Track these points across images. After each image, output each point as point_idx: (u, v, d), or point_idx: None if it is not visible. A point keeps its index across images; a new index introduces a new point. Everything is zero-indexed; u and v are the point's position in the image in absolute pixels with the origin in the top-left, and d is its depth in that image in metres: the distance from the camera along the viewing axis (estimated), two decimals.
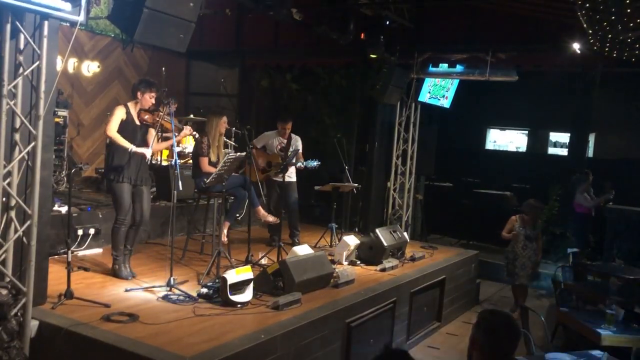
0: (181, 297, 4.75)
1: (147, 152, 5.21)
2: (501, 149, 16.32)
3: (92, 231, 6.19)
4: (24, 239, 3.94)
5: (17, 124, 3.92)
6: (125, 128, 5.11)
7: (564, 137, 14.87)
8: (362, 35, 7.95)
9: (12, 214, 3.92)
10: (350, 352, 4.91)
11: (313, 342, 4.46)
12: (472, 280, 8.13)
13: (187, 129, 5.81)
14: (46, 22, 3.88)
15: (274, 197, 7.29)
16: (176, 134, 5.40)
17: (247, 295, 4.72)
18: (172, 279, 4.95)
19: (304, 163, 6.99)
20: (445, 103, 9.81)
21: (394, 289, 5.79)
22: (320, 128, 10.08)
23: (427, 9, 8.52)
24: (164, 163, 7.95)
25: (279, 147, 7.25)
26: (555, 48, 7.41)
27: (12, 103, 3.82)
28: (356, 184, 7.84)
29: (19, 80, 3.86)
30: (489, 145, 16.60)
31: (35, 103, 3.93)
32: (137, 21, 4.16)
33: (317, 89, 10.36)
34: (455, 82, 9.57)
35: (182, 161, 7.83)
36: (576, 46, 7.06)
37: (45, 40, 3.89)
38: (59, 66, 4.35)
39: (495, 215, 11.23)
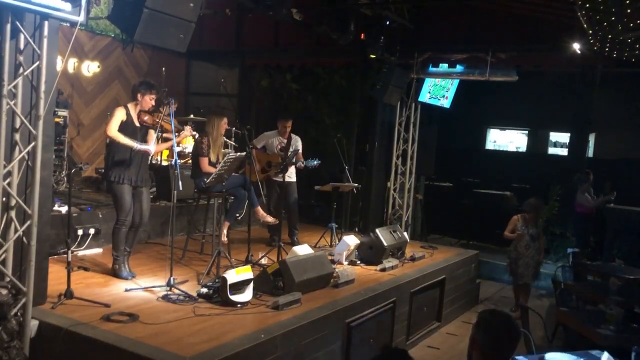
0: (181, 297, 4.75)
1: (151, 148, 5.22)
2: (501, 149, 16.33)
3: (92, 231, 6.19)
4: (24, 239, 3.94)
5: (17, 124, 3.92)
6: (125, 129, 5.11)
7: (564, 137, 14.88)
8: (362, 35, 7.94)
9: (12, 214, 3.92)
10: (350, 352, 4.91)
11: (313, 342, 4.46)
12: (472, 280, 8.13)
13: (187, 130, 5.81)
14: (46, 22, 3.88)
15: (274, 197, 7.29)
16: (176, 134, 5.40)
17: (247, 295, 4.72)
18: (172, 279, 4.96)
19: (305, 162, 7.00)
20: (445, 103, 9.81)
21: (394, 289, 5.79)
22: (320, 128, 10.08)
23: (427, 9, 8.52)
24: (164, 163, 7.95)
25: (279, 147, 7.25)
26: (555, 48, 7.41)
27: (12, 103, 3.82)
28: (356, 184, 7.84)
29: (19, 80, 3.86)
30: (489, 145, 16.61)
31: (35, 103, 3.93)
32: (137, 21, 4.15)
33: (317, 89, 10.37)
34: (455, 82, 9.57)
35: (182, 161, 7.82)
36: (576, 46, 7.06)
37: (45, 40, 3.89)
38: (59, 66, 4.35)
39: (495, 215, 11.25)
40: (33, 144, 3.94)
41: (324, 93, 10.34)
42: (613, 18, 4.78)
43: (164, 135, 6.95)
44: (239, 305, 4.61)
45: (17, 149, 3.93)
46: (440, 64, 8.85)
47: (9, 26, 3.74)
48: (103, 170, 6.51)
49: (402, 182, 9.65)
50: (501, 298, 8.54)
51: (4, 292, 3.75)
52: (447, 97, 9.77)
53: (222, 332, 4.09)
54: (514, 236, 7.45)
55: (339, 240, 6.87)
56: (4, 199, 3.86)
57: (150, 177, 6.15)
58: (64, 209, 5.90)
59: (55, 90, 4.18)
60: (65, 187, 7.23)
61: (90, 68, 9.09)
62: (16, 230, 3.94)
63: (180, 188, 5.14)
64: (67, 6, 3.77)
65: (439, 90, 9.60)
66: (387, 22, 7.96)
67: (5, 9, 3.68)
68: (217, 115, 6.33)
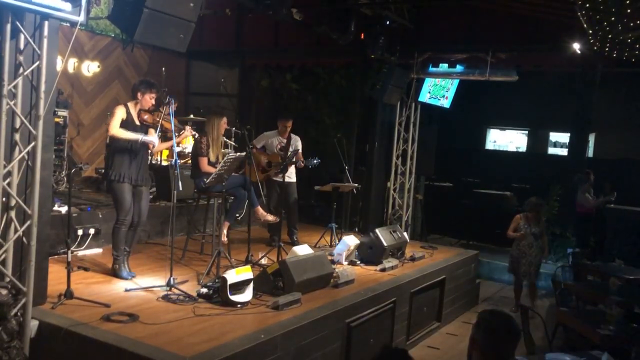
0: (181, 297, 4.75)
1: (155, 140, 5.23)
2: (501, 149, 16.33)
3: (92, 231, 6.19)
4: (24, 239, 3.94)
5: (17, 124, 3.92)
6: (125, 128, 5.10)
7: (564, 137, 14.89)
8: (362, 35, 7.94)
9: (12, 214, 3.92)
10: (350, 352, 4.91)
11: (313, 342, 4.46)
12: (472, 280, 8.13)
13: (187, 130, 5.81)
14: (46, 22, 3.88)
15: (274, 197, 7.30)
16: (176, 134, 5.40)
17: (247, 295, 4.72)
18: (172, 279, 4.95)
19: (305, 161, 7.00)
20: (445, 103, 9.81)
21: (394, 289, 5.79)
22: (320, 128, 10.08)
23: (427, 9, 8.52)
24: (164, 163, 7.95)
25: (279, 147, 7.26)
26: (555, 48, 7.41)
27: (12, 103, 3.82)
28: (356, 184, 7.84)
29: (19, 80, 3.86)
30: (489, 145, 16.62)
31: (35, 103, 3.93)
32: (137, 21, 4.16)
33: (317, 89, 10.37)
34: (455, 82, 9.57)
35: (182, 161, 7.82)
36: (576, 46, 7.06)
37: (45, 40, 3.88)
38: (59, 66, 4.35)
39: (495, 215, 11.25)
40: (33, 144, 3.94)
41: (324, 93, 10.34)
42: (613, 18, 4.78)
43: (163, 134, 6.96)
44: (239, 306, 4.61)
45: (17, 149, 3.93)
46: (440, 64, 8.85)
47: (9, 26, 3.74)
48: (103, 170, 6.52)
49: (402, 182, 9.64)
50: (501, 298, 8.54)
51: (4, 292, 3.75)
52: (447, 97, 9.77)
53: (222, 332, 4.09)
54: (516, 235, 7.50)
55: (339, 240, 6.87)
56: (4, 199, 3.86)
57: (150, 177, 6.14)
58: (64, 209, 5.90)
59: (55, 90, 4.18)
60: (65, 187, 7.23)
61: (90, 68, 9.10)
62: (16, 230, 3.93)
63: (180, 188, 5.14)
64: (67, 6, 3.77)
65: (439, 90, 9.60)
66: (387, 22, 7.96)
67: (5, 9, 3.68)
68: (216, 115, 6.33)
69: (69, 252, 4.64)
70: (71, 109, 8.33)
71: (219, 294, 4.66)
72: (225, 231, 6.50)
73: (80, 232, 6.07)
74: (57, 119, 7.08)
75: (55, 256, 5.60)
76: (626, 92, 12.53)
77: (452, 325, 7.14)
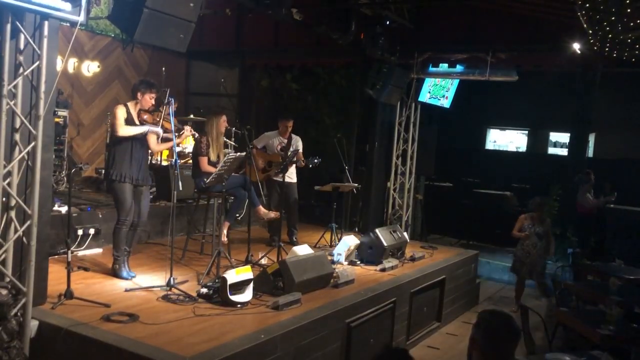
0: (181, 297, 4.75)
1: (159, 130, 5.27)
2: (501, 149, 16.32)
3: (92, 231, 6.19)
4: (24, 239, 3.94)
5: (17, 124, 3.92)
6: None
7: (564, 137, 14.87)
8: (362, 35, 7.94)
9: (12, 214, 3.92)
10: (350, 352, 4.91)
11: (313, 342, 4.46)
12: (472, 280, 8.13)
13: (187, 130, 5.81)
14: (46, 22, 3.88)
15: (275, 197, 7.30)
16: (176, 134, 5.40)
17: (247, 295, 4.72)
18: (172, 279, 4.95)
19: (306, 161, 7.01)
20: (445, 103, 9.81)
21: (394, 289, 5.79)
22: (320, 128, 10.08)
23: (427, 9, 8.52)
24: (164, 163, 7.95)
25: (280, 147, 7.26)
26: (555, 48, 7.41)
27: (12, 103, 3.82)
28: (356, 184, 7.84)
29: (19, 80, 3.86)
30: (489, 145, 16.61)
31: (35, 103, 3.93)
32: (137, 21, 4.16)
33: (317, 89, 10.36)
34: (455, 82, 9.57)
35: (182, 161, 7.83)
36: (576, 46, 7.06)
37: (45, 40, 3.89)
38: (59, 66, 4.34)
39: (495, 215, 11.26)
40: (33, 144, 3.94)
41: (324, 93, 10.34)
42: (613, 18, 4.78)
43: (164, 134, 6.95)
44: (239, 306, 4.61)
45: (17, 149, 3.93)
46: (440, 64, 8.84)
47: (9, 26, 3.74)
48: (103, 170, 6.52)
49: (402, 182, 9.64)
50: (501, 298, 8.54)
51: (4, 292, 3.75)
52: (447, 97, 9.76)
53: (222, 332, 4.09)
54: (521, 235, 7.54)
55: (339, 240, 6.87)
56: (4, 199, 3.86)
57: (150, 176, 6.14)
58: (64, 209, 5.90)
59: (55, 90, 4.18)
60: (65, 187, 7.23)
61: (90, 68, 9.10)
62: (16, 230, 3.94)
63: (180, 188, 5.14)
64: (67, 6, 3.77)
65: (439, 90, 9.60)
66: (387, 22, 7.96)
67: (5, 9, 3.68)
68: (215, 114, 6.34)
69: (69, 252, 4.63)
70: (71, 109, 8.33)
71: (219, 294, 4.66)
72: (225, 231, 6.50)
73: (80, 232, 6.07)
74: (57, 119, 7.08)
75: (55, 256, 5.60)
76: (626, 92, 12.52)
77: (452, 325, 7.14)
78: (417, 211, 10.40)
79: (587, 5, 4.71)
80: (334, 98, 10.26)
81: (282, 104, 10.33)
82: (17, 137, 3.93)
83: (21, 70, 3.87)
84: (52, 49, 4.05)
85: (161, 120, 5.31)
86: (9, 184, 3.89)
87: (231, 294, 4.60)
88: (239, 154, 5.87)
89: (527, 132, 16.22)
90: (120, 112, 5.09)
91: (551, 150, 15.76)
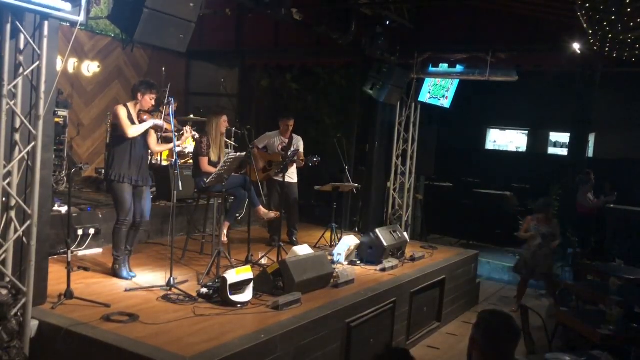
0: (181, 297, 4.75)
1: (163, 123, 5.29)
2: (501, 149, 16.32)
3: (92, 231, 6.19)
4: (24, 239, 3.94)
5: (17, 124, 3.92)
6: None
7: (564, 137, 14.86)
8: (362, 36, 7.94)
9: (12, 214, 3.92)
10: (350, 352, 4.91)
11: (313, 342, 4.46)
12: (472, 280, 8.13)
13: (188, 132, 5.81)
14: (46, 22, 3.88)
15: (275, 196, 7.30)
16: (176, 134, 5.40)
17: (247, 295, 4.72)
18: (172, 279, 4.95)
19: (305, 159, 7.01)
20: (445, 103, 9.81)
21: (394, 289, 5.79)
22: (320, 128, 10.08)
23: (427, 9, 8.52)
24: (164, 163, 7.95)
25: (281, 146, 7.26)
26: (555, 48, 7.41)
27: (12, 103, 3.82)
28: (356, 184, 7.84)
29: (19, 80, 3.86)
30: (489, 145, 16.60)
31: (35, 103, 3.93)
32: (137, 21, 4.16)
33: (317, 89, 10.37)
34: (455, 82, 9.57)
35: (182, 161, 7.83)
36: (576, 46, 7.06)
37: (45, 40, 3.89)
38: (59, 66, 4.34)
39: (495, 215, 11.26)
40: (33, 144, 3.94)
41: (324, 93, 10.34)
42: (613, 18, 4.78)
43: (164, 134, 6.96)
44: (239, 306, 4.61)
45: (17, 149, 3.93)
46: (440, 64, 8.84)
47: (9, 26, 3.74)
48: (103, 170, 6.52)
49: (402, 182, 9.64)
50: (501, 298, 8.54)
51: (4, 292, 3.75)
52: (447, 97, 9.76)
53: (222, 332, 4.09)
54: (527, 236, 7.58)
55: (339, 240, 6.87)
56: (4, 199, 3.86)
57: (150, 176, 6.14)
58: (64, 209, 5.90)
59: (55, 90, 4.18)
60: (65, 187, 7.23)
61: (90, 68, 9.10)
62: (16, 230, 3.94)
63: (180, 188, 5.15)
64: (67, 6, 3.77)
65: (439, 90, 9.60)
66: (387, 22, 7.96)
67: (5, 9, 3.68)
68: (216, 114, 6.34)
69: (69, 252, 4.64)
70: (71, 109, 8.33)
71: (219, 294, 4.66)
72: (225, 231, 6.50)
73: (80, 232, 6.07)
74: (57, 119, 7.08)
75: (55, 256, 5.60)
76: (626, 92, 12.52)
77: (452, 325, 7.14)
78: (417, 211, 10.41)
79: (587, 5, 4.71)
80: (334, 98, 10.26)
81: (282, 104, 10.33)
82: (17, 137, 3.93)
83: (21, 70, 3.87)
84: (52, 49, 4.05)
85: (162, 119, 5.29)
86: (9, 184, 3.89)
87: (231, 294, 4.60)
88: (239, 154, 5.88)
89: (527, 132, 16.21)
90: (122, 112, 5.09)
91: (551, 150, 15.75)
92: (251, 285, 4.78)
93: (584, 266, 7.75)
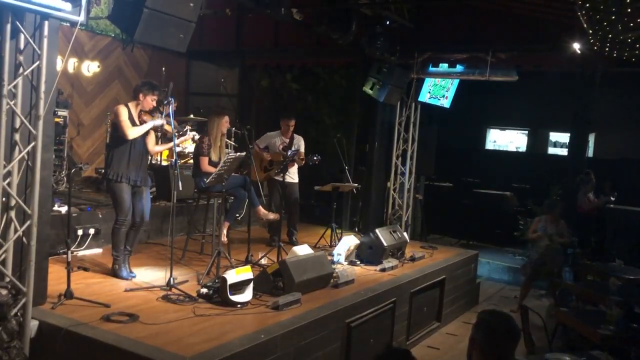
0: (181, 297, 4.75)
1: (163, 121, 5.30)
2: (501, 149, 16.31)
3: (92, 231, 6.19)
4: (24, 239, 3.94)
5: (17, 124, 3.92)
6: None
7: (564, 137, 14.86)
8: (362, 35, 7.94)
9: (12, 214, 3.92)
10: (350, 352, 4.91)
11: (313, 342, 4.46)
12: (472, 280, 8.13)
13: (188, 135, 5.81)
14: (46, 22, 3.88)
15: (276, 196, 7.29)
16: (176, 133, 5.40)
17: (247, 295, 4.72)
18: (172, 279, 4.96)
19: (305, 158, 7.01)
20: (445, 103, 9.80)
21: (394, 289, 5.79)
22: (320, 128, 10.08)
23: (427, 9, 8.52)
24: (164, 163, 7.95)
25: (281, 146, 7.26)
26: (555, 48, 7.41)
27: (12, 103, 3.82)
28: (356, 184, 7.84)
29: (19, 80, 3.86)
30: (489, 145, 16.59)
31: (35, 103, 3.93)
32: (137, 21, 4.16)
33: (317, 89, 10.37)
34: (455, 82, 9.56)
35: (182, 161, 7.83)
36: (576, 46, 7.05)
37: (45, 40, 3.89)
38: (59, 66, 4.35)
39: (495, 215, 11.24)
40: (33, 144, 3.94)
41: (324, 93, 10.34)
42: (613, 18, 4.78)
43: (164, 132, 6.96)
44: (238, 306, 4.61)
45: (17, 149, 3.93)
46: (440, 64, 8.83)
47: (9, 26, 3.74)
48: (103, 170, 6.53)
49: (402, 182, 9.64)
50: (501, 298, 8.54)
51: (4, 292, 3.75)
52: (447, 97, 9.76)
53: (222, 332, 4.09)
54: (535, 236, 7.61)
55: (339, 240, 6.87)
56: (4, 199, 3.86)
57: (150, 177, 6.14)
58: (64, 209, 5.90)
59: (55, 90, 4.18)
60: (65, 187, 7.23)
61: (90, 68, 9.10)
62: (16, 230, 3.94)
63: (180, 188, 5.15)
64: (67, 6, 3.77)
65: (439, 90, 9.59)
66: (387, 22, 7.96)
67: (5, 9, 3.68)
68: (217, 114, 6.34)
69: (69, 252, 4.64)
70: (71, 109, 8.33)
71: (219, 294, 4.66)
72: (224, 231, 6.50)
73: (80, 232, 6.08)
74: (57, 119, 7.09)
75: (55, 256, 5.60)
76: (626, 92, 12.52)
77: (452, 325, 7.14)
78: (417, 211, 10.40)
79: (587, 5, 4.71)
80: (334, 98, 10.26)
81: (282, 104, 10.33)
82: (17, 137, 3.93)
83: (21, 70, 3.87)
84: (52, 49, 4.05)
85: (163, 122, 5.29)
86: (9, 184, 3.89)
87: (231, 294, 4.60)
88: (238, 154, 5.88)
89: (527, 132, 16.20)
90: (123, 113, 5.09)
91: (551, 150, 15.74)
92: (251, 285, 4.78)
93: (584, 266, 7.74)
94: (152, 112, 5.29)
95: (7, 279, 3.89)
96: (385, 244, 6.55)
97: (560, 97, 13.00)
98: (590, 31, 5.27)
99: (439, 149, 10.44)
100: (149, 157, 5.74)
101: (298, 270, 5.09)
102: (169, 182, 7.18)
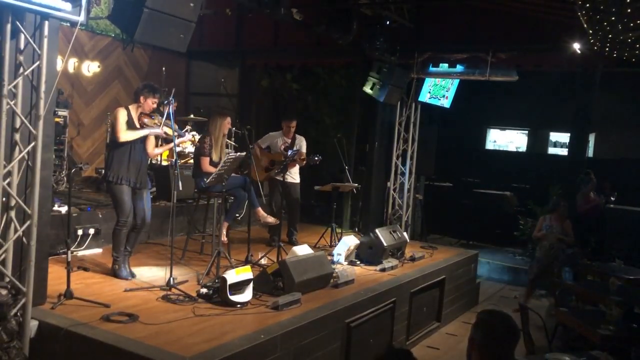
0: (181, 297, 4.75)
1: (159, 131, 5.27)
2: (501, 149, 16.31)
3: (92, 231, 6.19)
4: (24, 239, 3.95)
5: (17, 124, 3.92)
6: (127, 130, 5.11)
7: (564, 137, 14.86)
8: (362, 36, 7.94)
9: (12, 214, 3.92)
10: (350, 352, 4.91)
11: (313, 342, 4.46)
12: (472, 280, 8.13)
13: (187, 136, 5.80)
14: (46, 22, 3.89)
15: (277, 196, 7.30)
16: (176, 134, 5.40)
17: (246, 295, 4.72)
18: (172, 279, 4.96)
19: (307, 158, 7.01)
20: (446, 103, 9.81)
21: (394, 289, 5.79)
22: (320, 128, 10.08)
23: (427, 9, 8.52)
24: (164, 163, 7.95)
25: (283, 147, 7.26)
26: (555, 48, 7.41)
27: (12, 103, 3.82)
28: (356, 184, 7.84)
29: (19, 80, 3.86)
30: (489, 145, 16.59)
31: (36, 103, 3.93)
32: (137, 21, 4.16)
33: (317, 89, 10.36)
34: (456, 82, 9.56)
35: (182, 161, 7.83)
36: (576, 46, 7.05)
37: (45, 40, 3.89)
38: (59, 66, 4.35)
39: (495, 215, 11.24)
40: (33, 144, 3.94)
41: (324, 93, 10.34)
42: (613, 18, 4.78)
43: (164, 136, 6.95)
44: (238, 306, 4.61)
45: (17, 149, 3.93)
46: (441, 64, 8.84)
47: (9, 26, 3.74)
48: (103, 171, 6.53)
49: (402, 182, 9.64)
50: (501, 298, 8.54)
51: (4, 292, 3.75)
52: (447, 97, 9.76)
53: (222, 332, 4.09)
54: (540, 235, 7.66)
55: (339, 240, 6.87)
56: (4, 199, 3.86)
57: (150, 177, 6.14)
58: (64, 209, 5.90)
59: (55, 90, 4.18)
60: (65, 187, 7.24)
61: (91, 68, 9.10)
62: (16, 230, 3.94)
63: (180, 188, 5.15)
64: (67, 6, 3.77)
65: (439, 90, 9.59)
66: (387, 22, 7.96)
67: (5, 9, 3.68)
68: (220, 115, 6.34)
69: (69, 252, 4.64)
70: (71, 109, 8.33)
71: (219, 294, 4.66)
72: (224, 231, 6.50)
73: (80, 232, 6.08)
74: (57, 119, 7.08)
75: (55, 256, 5.60)
76: (626, 92, 12.52)
77: (452, 325, 7.14)
78: (417, 211, 10.40)
79: (587, 5, 4.71)
80: (334, 98, 10.26)
81: (282, 104, 10.33)
82: (17, 137, 3.93)
83: (21, 70, 3.87)
84: (52, 49, 4.06)
85: (162, 125, 5.28)
86: (9, 184, 3.89)
87: (231, 294, 4.60)
88: (238, 154, 5.87)
89: (527, 132, 16.20)
90: (122, 116, 5.09)
91: (551, 150, 15.74)
92: (251, 285, 4.78)
93: (584, 266, 7.74)
94: (151, 114, 5.28)
95: (7, 279, 3.89)
96: (385, 244, 6.55)
97: (560, 97, 13.01)
98: (590, 31, 5.28)
99: (439, 149, 10.44)
100: (149, 159, 5.73)
101: (298, 270, 5.10)
102: (169, 182, 7.18)
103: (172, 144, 5.35)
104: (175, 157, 5.18)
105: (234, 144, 8.33)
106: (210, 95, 10.67)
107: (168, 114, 5.37)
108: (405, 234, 7.50)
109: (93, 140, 9.33)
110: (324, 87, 10.32)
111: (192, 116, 8.41)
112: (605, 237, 9.93)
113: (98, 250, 6.26)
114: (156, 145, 5.67)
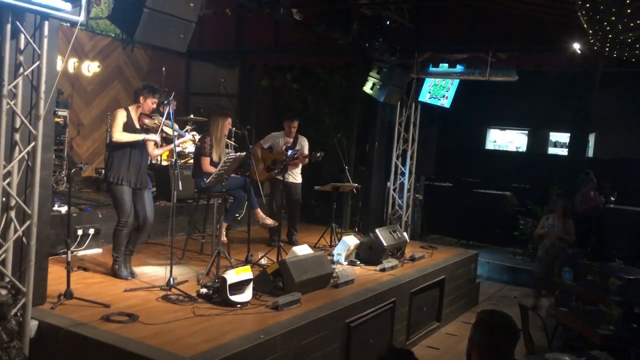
0: (181, 297, 4.75)
1: (157, 137, 5.26)
2: (501, 149, 16.31)
3: (92, 231, 6.19)
4: (24, 239, 3.95)
5: (17, 124, 3.92)
6: (126, 131, 5.10)
7: (564, 137, 14.86)
8: (362, 35, 7.95)
9: (12, 214, 3.92)
10: (350, 352, 4.91)
11: (313, 342, 4.46)
12: (472, 280, 8.13)
13: (187, 136, 5.80)
14: (46, 22, 3.89)
15: (278, 196, 7.29)
16: (176, 134, 5.40)
17: (246, 295, 4.72)
18: (172, 279, 4.96)
19: (309, 156, 7.01)
20: (446, 103, 9.81)
21: (394, 289, 5.79)
22: (320, 128, 10.09)
23: (427, 9, 8.52)
24: (164, 163, 7.95)
25: (285, 146, 7.27)
26: (555, 48, 7.41)
27: (12, 103, 3.82)
28: (356, 184, 7.84)
29: (19, 80, 3.86)
30: (489, 145, 16.59)
31: (36, 103, 3.93)
32: (137, 21, 4.16)
33: (317, 89, 10.37)
34: (456, 82, 9.57)
35: (182, 161, 7.83)
36: (576, 46, 7.05)
37: (45, 40, 3.89)
38: (59, 66, 4.35)
39: (495, 215, 11.24)
40: (33, 144, 3.94)
41: (324, 93, 10.35)
42: (613, 18, 4.78)
43: (164, 136, 6.95)
44: (238, 306, 4.61)
45: (17, 149, 3.93)
46: (441, 64, 8.84)
47: (9, 26, 3.74)
48: (103, 171, 6.53)
49: (402, 182, 9.65)
50: (501, 298, 8.54)
51: (4, 292, 3.75)
52: (447, 97, 9.76)
53: (221, 332, 4.09)
54: (542, 232, 7.72)
55: (339, 240, 6.87)
56: (4, 199, 3.86)
57: (150, 177, 6.14)
58: (64, 209, 5.90)
59: (55, 90, 4.18)
60: (65, 187, 7.23)
61: (91, 68, 9.10)
62: (16, 230, 3.94)
63: (180, 188, 5.14)
64: (67, 6, 3.77)
65: (439, 90, 9.59)
66: (387, 22, 7.96)
67: (5, 9, 3.68)
68: (221, 115, 6.33)
69: (69, 252, 4.64)
70: (71, 109, 8.33)
71: (219, 294, 4.66)
72: (224, 231, 6.50)
73: (80, 232, 6.07)
74: (57, 119, 7.08)
75: (55, 256, 5.60)
76: (626, 92, 12.52)
77: (451, 325, 7.14)
78: (417, 211, 10.41)
79: (587, 5, 4.71)
80: (334, 98, 10.26)
81: (282, 104, 10.33)
82: (17, 137, 3.93)
83: (21, 70, 3.87)
84: (52, 49, 4.05)
85: (161, 126, 5.28)
86: (9, 184, 3.89)
87: (231, 294, 4.60)
88: (238, 154, 5.87)
89: (527, 132, 16.20)
90: (120, 117, 5.09)
91: (551, 150, 15.74)
92: (251, 285, 4.78)
93: (584, 266, 7.75)
94: (151, 114, 5.28)
95: (7, 279, 3.89)
96: (385, 244, 6.55)
97: (560, 97, 13.00)
98: (590, 31, 5.28)
99: (439, 149, 10.45)
100: (149, 159, 5.73)
101: (298, 270, 5.10)
102: (169, 182, 7.18)
103: (172, 145, 5.34)
104: (175, 157, 5.18)
105: (234, 144, 8.33)
106: (210, 95, 10.68)
107: (168, 113, 5.37)
108: (405, 234, 7.50)
109: (93, 140, 9.33)
110: (324, 87, 10.33)
111: (192, 116, 8.41)
112: (605, 237, 9.94)
113: (98, 250, 6.26)
114: (157, 146, 5.66)
